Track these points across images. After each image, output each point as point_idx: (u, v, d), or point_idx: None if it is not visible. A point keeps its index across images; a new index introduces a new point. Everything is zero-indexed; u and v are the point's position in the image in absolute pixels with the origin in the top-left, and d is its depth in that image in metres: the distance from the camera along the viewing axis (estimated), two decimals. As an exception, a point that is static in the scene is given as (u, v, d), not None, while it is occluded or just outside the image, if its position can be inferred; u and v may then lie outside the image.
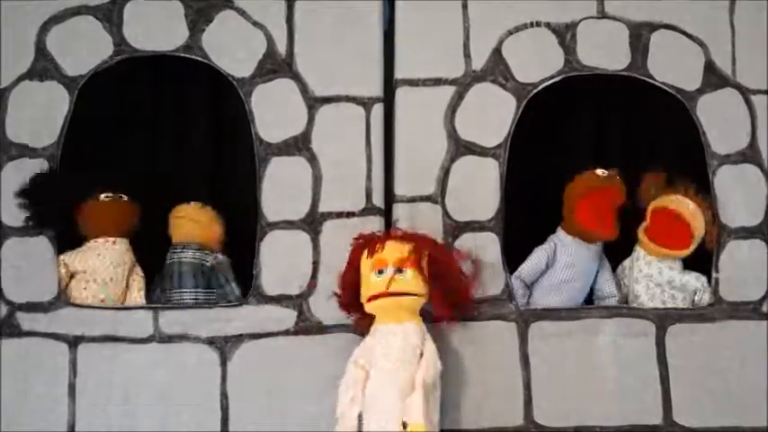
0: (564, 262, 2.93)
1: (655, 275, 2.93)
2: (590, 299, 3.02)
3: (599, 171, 2.92)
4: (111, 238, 2.95)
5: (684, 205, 2.91)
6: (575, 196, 2.91)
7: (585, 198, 2.90)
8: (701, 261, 2.96)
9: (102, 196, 2.93)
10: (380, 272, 2.67)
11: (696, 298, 2.93)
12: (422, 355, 2.66)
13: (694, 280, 2.93)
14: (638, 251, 2.98)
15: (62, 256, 2.90)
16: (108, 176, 2.96)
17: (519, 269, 2.92)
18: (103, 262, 2.92)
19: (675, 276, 2.93)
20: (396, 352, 2.65)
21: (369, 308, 2.70)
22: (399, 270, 2.67)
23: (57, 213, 2.88)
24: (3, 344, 2.81)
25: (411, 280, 2.67)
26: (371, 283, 2.68)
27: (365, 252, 2.71)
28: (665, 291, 2.93)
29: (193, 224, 2.96)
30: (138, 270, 3.01)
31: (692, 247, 2.92)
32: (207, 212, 2.99)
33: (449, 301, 2.74)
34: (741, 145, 2.94)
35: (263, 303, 2.85)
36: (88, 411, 2.80)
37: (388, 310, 2.68)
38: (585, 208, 2.90)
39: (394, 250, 2.69)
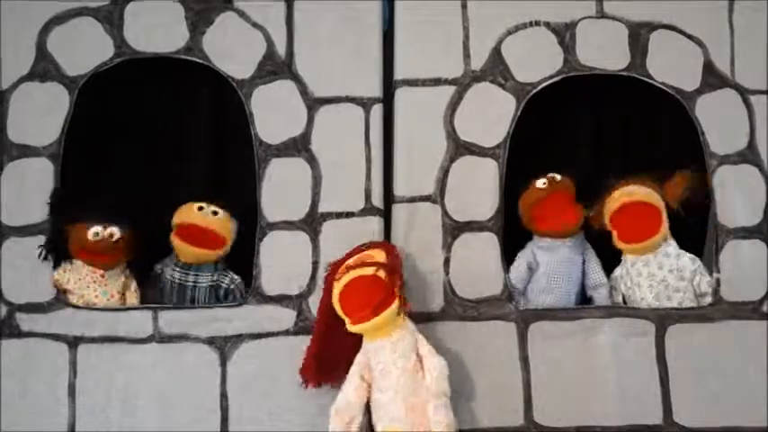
0: (547, 263, 2.95)
1: (656, 272, 2.93)
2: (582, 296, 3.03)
3: (539, 183, 2.94)
4: (100, 271, 2.89)
5: (628, 194, 2.93)
6: (527, 208, 2.95)
7: (536, 206, 2.94)
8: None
9: (91, 233, 2.85)
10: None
11: (695, 282, 2.92)
12: (419, 357, 2.67)
13: (690, 262, 2.93)
14: (630, 258, 2.97)
15: (56, 275, 2.85)
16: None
17: (507, 275, 2.92)
18: (96, 293, 2.88)
19: (674, 263, 2.93)
20: (389, 365, 2.65)
21: (353, 329, 2.67)
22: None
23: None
24: (2, 344, 2.81)
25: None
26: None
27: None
28: (669, 284, 2.92)
29: (214, 253, 2.93)
30: (133, 287, 2.96)
31: (666, 219, 2.93)
32: (222, 224, 2.94)
33: None
34: (740, 145, 2.94)
35: (263, 303, 2.85)
36: (88, 411, 2.80)
37: (373, 330, 2.66)
38: (540, 215, 2.95)
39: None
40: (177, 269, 2.95)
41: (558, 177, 2.96)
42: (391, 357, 2.65)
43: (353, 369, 2.70)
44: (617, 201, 2.94)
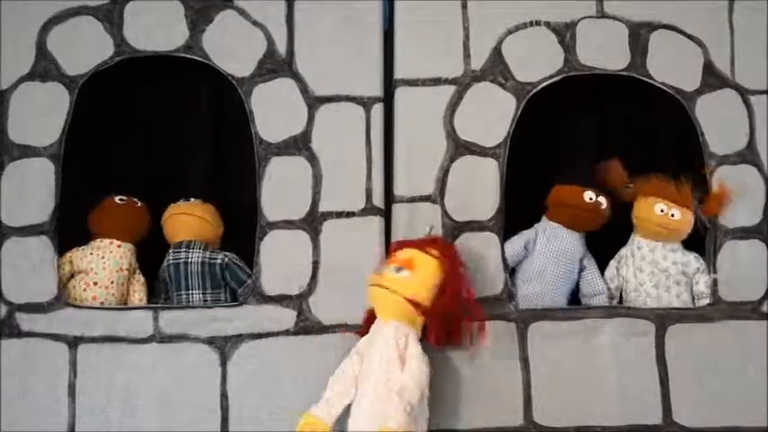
0: (545, 245, 2.97)
1: (660, 261, 2.94)
2: (575, 298, 3.04)
3: (587, 195, 2.95)
4: (117, 241, 2.96)
5: (668, 222, 2.94)
6: (557, 201, 2.98)
7: (563, 209, 2.97)
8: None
9: (117, 199, 2.98)
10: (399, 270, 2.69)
11: (694, 281, 2.94)
12: (402, 359, 2.64)
13: (694, 260, 2.95)
14: (638, 240, 2.99)
15: (69, 253, 2.91)
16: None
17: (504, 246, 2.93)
18: (106, 264, 2.93)
19: (678, 258, 2.95)
20: (374, 348, 2.65)
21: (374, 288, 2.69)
22: (399, 269, 2.66)
23: None
24: (2, 344, 2.80)
25: (401, 280, 2.65)
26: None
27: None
28: (671, 275, 2.94)
29: (198, 221, 2.97)
30: (140, 277, 3.01)
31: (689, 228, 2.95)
32: (209, 208, 3.01)
33: (443, 327, 2.71)
34: (740, 145, 2.94)
35: (263, 303, 2.85)
36: (88, 412, 2.80)
37: (374, 299, 2.69)
38: (562, 212, 2.98)
39: (408, 252, 2.70)
40: (171, 253, 2.98)
41: (604, 206, 2.97)
42: (378, 341, 2.65)
43: (358, 344, 2.71)
44: (658, 218, 2.94)
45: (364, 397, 2.62)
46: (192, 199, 3.02)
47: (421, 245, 2.72)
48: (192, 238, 2.97)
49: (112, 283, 2.93)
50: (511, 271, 2.95)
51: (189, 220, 2.97)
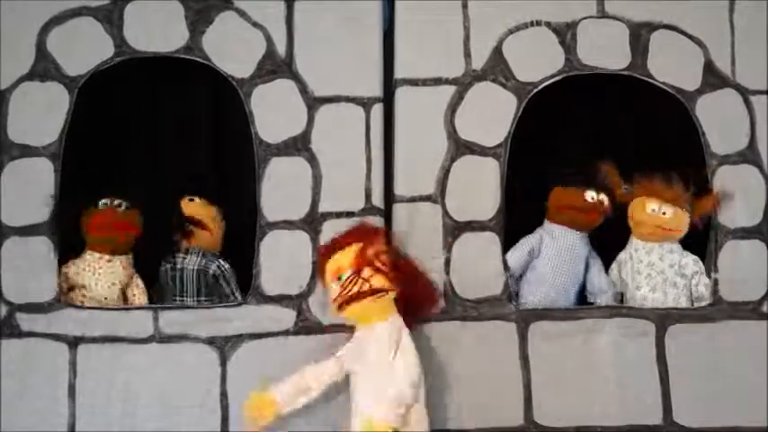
0: (551, 250, 2.98)
1: (656, 263, 2.95)
2: (582, 297, 3.04)
3: (588, 195, 2.97)
4: (107, 256, 2.95)
5: (661, 222, 2.95)
6: (558, 203, 2.99)
7: (565, 210, 2.98)
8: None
9: (100, 205, 2.94)
10: (339, 278, 2.68)
11: (693, 282, 2.94)
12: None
13: (693, 263, 2.95)
14: (636, 242, 3.00)
15: (64, 269, 2.89)
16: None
17: (506, 256, 2.92)
18: (99, 280, 2.93)
19: (676, 259, 2.95)
20: (368, 355, 2.66)
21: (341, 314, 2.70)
22: (339, 278, 2.68)
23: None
24: (3, 344, 2.81)
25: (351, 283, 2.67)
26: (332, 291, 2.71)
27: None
28: (667, 278, 2.94)
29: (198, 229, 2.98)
30: (139, 282, 3.02)
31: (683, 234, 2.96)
32: (212, 212, 3.01)
33: (413, 301, 2.75)
34: (740, 145, 2.95)
35: (263, 303, 2.85)
36: (88, 411, 2.80)
37: (356, 316, 2.70)
38: (564, 214, 2.99)
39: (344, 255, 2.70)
40: (170, 257, 3.00)
41: (606, 203, 3.00)
42: (371, 348, 2.66)
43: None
44: (650, 218, 2.96)
45: (365, 401, 2.63)
46: (197, 198, 3.02)
47: (336, 244, 2.74)
48: (191, 244, 2.98)
49: (106, 298, 2.93)
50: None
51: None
